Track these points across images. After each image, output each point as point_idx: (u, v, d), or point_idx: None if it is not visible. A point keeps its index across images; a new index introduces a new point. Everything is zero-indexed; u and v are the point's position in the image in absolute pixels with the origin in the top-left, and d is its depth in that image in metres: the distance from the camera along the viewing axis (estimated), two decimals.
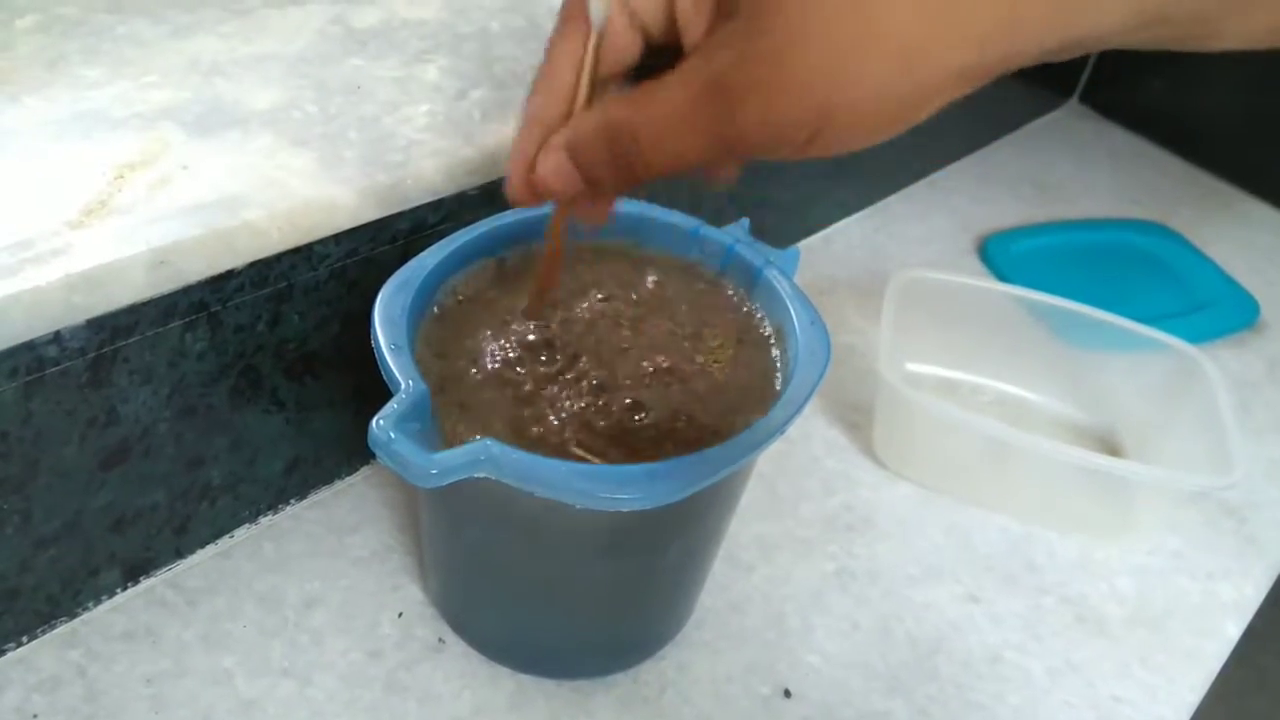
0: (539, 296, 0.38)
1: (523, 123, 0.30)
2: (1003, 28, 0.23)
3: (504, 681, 0.42)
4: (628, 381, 0.37)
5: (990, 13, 0.22)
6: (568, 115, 0.30)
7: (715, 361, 0.39)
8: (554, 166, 0.29)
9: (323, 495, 0.49)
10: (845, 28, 0.23)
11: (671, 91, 0.26)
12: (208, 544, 0.45)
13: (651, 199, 0.43)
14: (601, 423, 0.35)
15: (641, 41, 0.29)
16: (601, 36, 0.29)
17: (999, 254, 0.74)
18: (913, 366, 0.60)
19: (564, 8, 0.29)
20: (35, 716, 0.38)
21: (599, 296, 0.40)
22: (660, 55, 0.29)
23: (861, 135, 0.25)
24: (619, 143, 0.27)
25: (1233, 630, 0.49)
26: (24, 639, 0.40)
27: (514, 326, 0.38)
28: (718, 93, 0.24)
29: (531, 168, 0.30)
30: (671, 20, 0.28)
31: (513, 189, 0.31)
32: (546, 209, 0.42)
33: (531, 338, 0.38)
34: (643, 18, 0.29)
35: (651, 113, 0.26)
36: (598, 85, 0.29)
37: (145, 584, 0.43)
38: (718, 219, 0.42)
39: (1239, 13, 0.24)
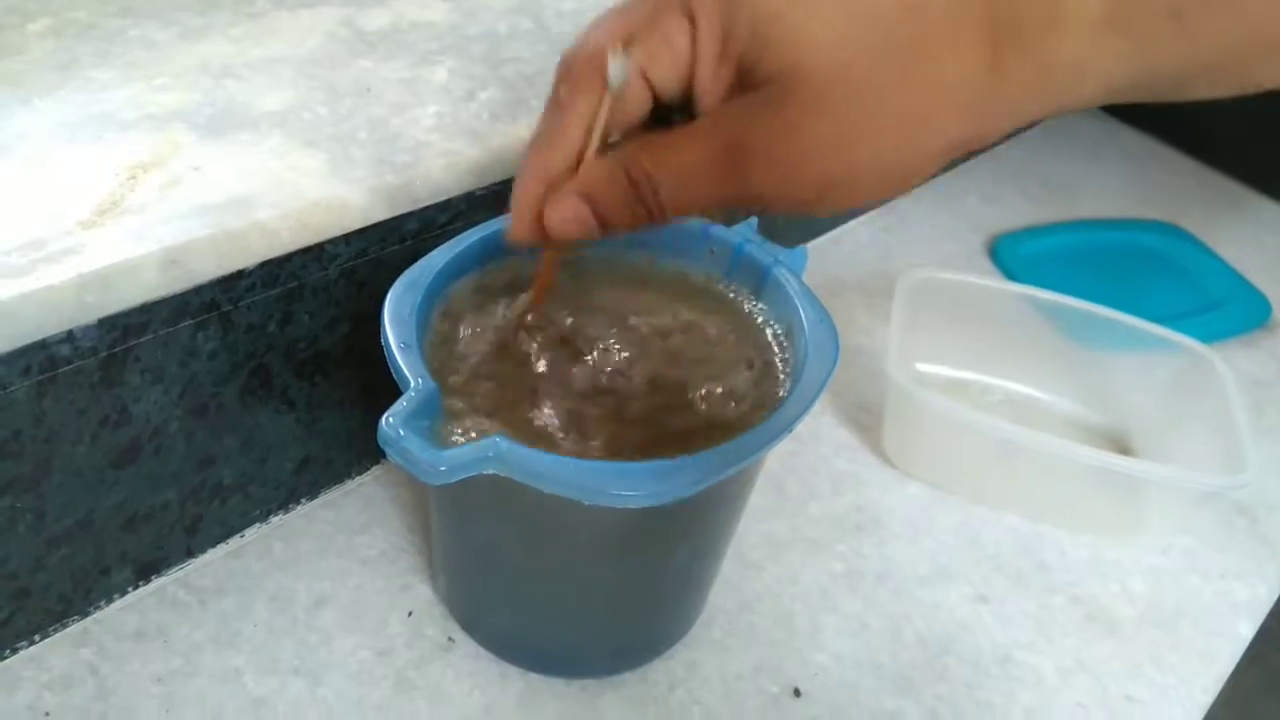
0: (526, 311, 0.39)
1: (524, 174, 0.31)
2: (987, 104, 0.26)
3: (513, 680, 0.42)
4: (636, 380, 0.37)
5: (974, 94, 0.25)
6: (573, 170, 0.30)
7: (724, 360, 0.39)
8: (570, 211, 0.30)
9: (333, 495, 0.49)
10: (858, 106, 0.25)
11: (692, 147, 0.28)
12: (218, 543, 0.45)
13: None
14: (610, 421, 0.35)
15: (650, 103, 0.30)
16: (616, 99, 0.29)
17: (1009, 254, 0.74)
18: (922, 366, 0.60)
19: (572, 71, 0.30)
20: (47, 714, 0.38)
21: (607, 297, 0.40)
22: (665, 111, 0.31)
23: (863, 197, 0.27)
24: (638, 188, 0.28)
25: (1245, 630, 0.49)
26: (36, 637, 0.41)
27: (523, 326, 0.38)
28: (736, 154, 0.27)
29: (538, 215, 0.31)
30: (686, 85, 0.29)
31: (518, 233, 0.32)
32: None
33: (541, 337, 0.38)
34: (657, 82, 0.29)
35: (671, 164, 0.28)
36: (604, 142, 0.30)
37: (156, 583, 0.43)
38: (726, 219, 0.42)
39: (1190, 89, 0.28)
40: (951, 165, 0.85)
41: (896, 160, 0.26)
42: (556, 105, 0.31)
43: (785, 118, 0.26)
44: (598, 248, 0.42)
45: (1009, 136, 0.81)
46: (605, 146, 0.30)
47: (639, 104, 0.30)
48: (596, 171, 0.30)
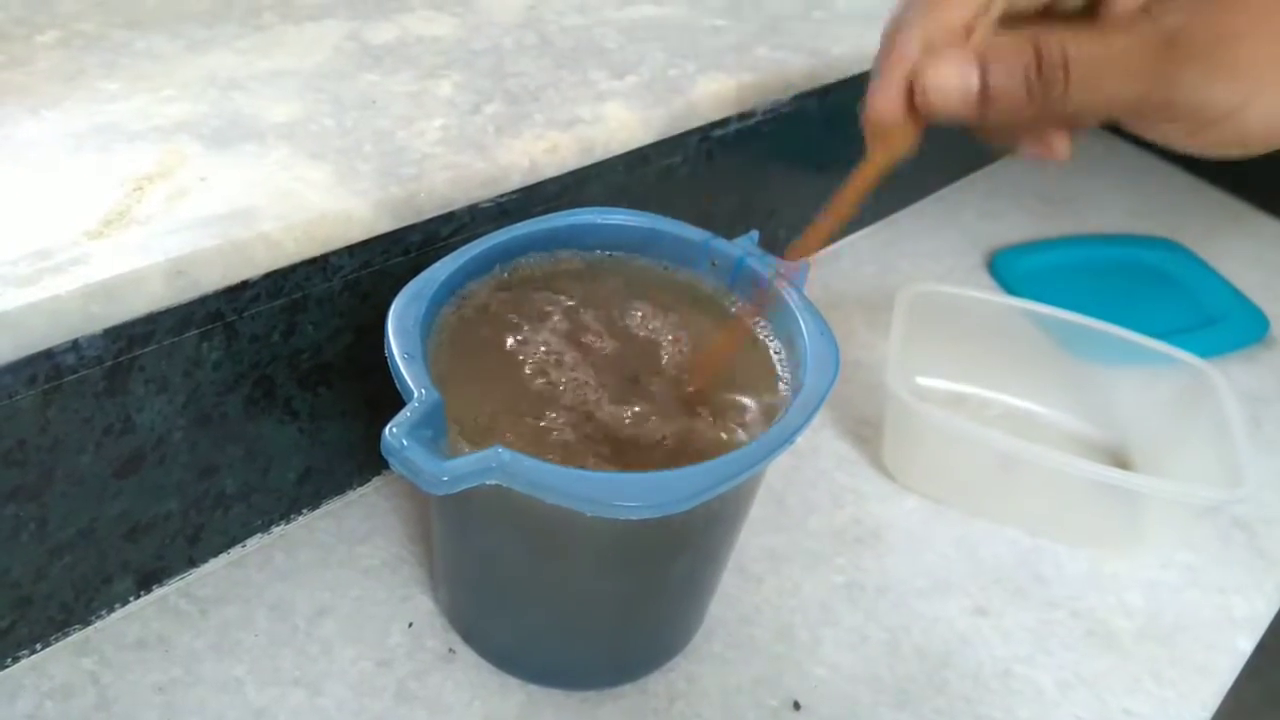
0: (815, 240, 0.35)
1: (899, 35, 0.29)
2: None
3: (514, 692, 0.42)
4: (637, 393, 0.37)
5: None
6: (962, 39, 0.28)
7: (724, 373, 0.39)
8: (956, 72, 0.28)
9: (334, 505, 0.49)
10: None
11: (1117, 38, 0.27)
12: (220, 553, 0.45)
13: (661, 212, 0.43)
14: (611, 434, 0.36)
15: None
16: None
17: (1008, 269, 0.74)
18: (921, 380, 0.61)
19: None
20: None
21: (610, 310, 0.41)
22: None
23: (1253, 133, 0.27)
24: (1046, 71, 0.27)
25: (1244, 645, 0.49)
26: (38, 646, 0.41)
27: (524, 338, 0.39)
28: (1165, 50, 0.26)
29: (908, 84, 0.29)
30: None
31: (883, 101, 0.29)
32: (572, 219, 0.42)
33: (542, 350, 0.38)
34: None
35: (1091, 50, 0.27)
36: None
37: (158, 592, 0.44)
38: (727, 233, 0.43)
39: None
40: (953, 178, 0.85)
41: None
42: None
43: (1228, 25, 0.26)
44: (611, 255, 0.42)
45: None
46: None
47: None
48: (996, 40, 0.28)
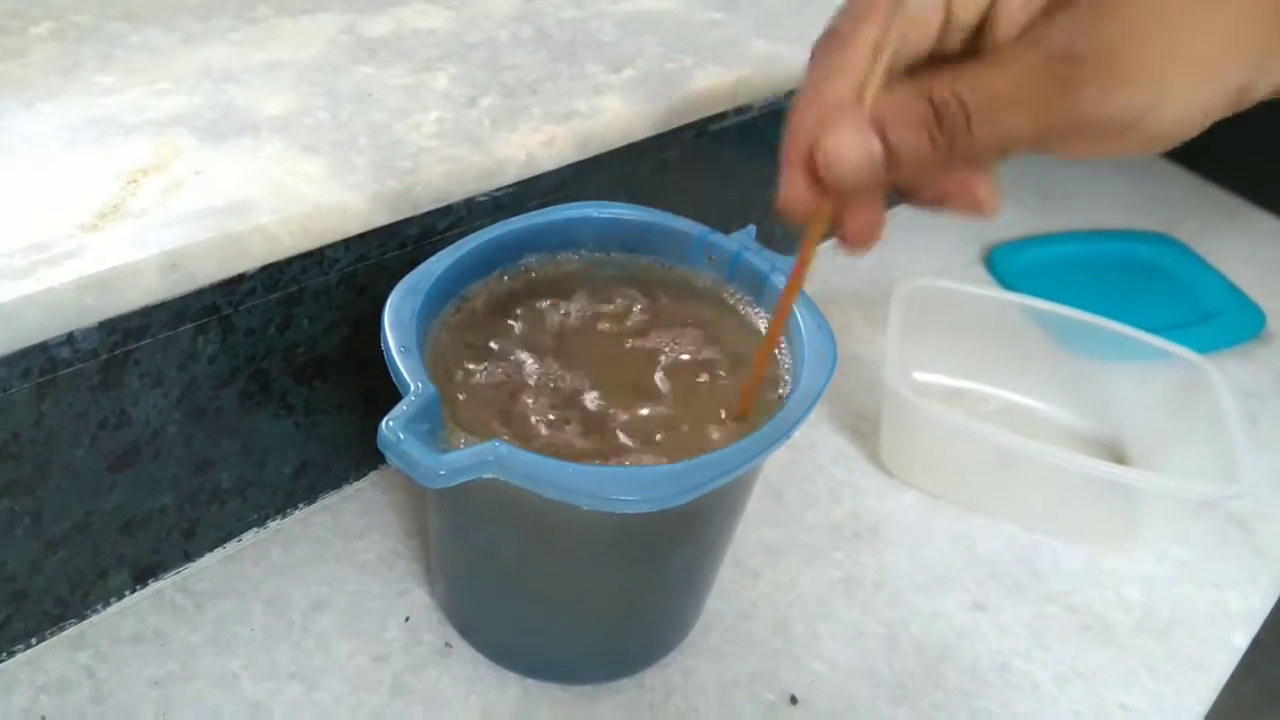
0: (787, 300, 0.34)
1: (795, 112, 0.28)
2: (1266, 57, 0.26)
3: (510, 686, 0.42)
4: (634, 388, 0.37)
5: (1259, 41, 0.26)
6: (858, 104, 0.27)
7: (721, 366, 0.39)
8: (855, 140, 0.27)
9: (331, 500, 0.49)
10: (1177, 28, 0.25)
11: (1008, 69, 0.26)
12: (216, 547, 0.45)
13: (657, 206, 0.43)
14: (607, 429, 0.36)
15: (936, 38, 0.28)
16: (912, 19, 0.27)
17: (1005, 264, 0.74)
18: (919, 375, 0.60)
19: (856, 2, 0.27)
20: (43, 718, 0.38)
21: (606, 306, 0.41)
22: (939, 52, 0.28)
23: (1166, 133, 0.26)
24: (943, 118, 0.26)
25: (1240, 640, 0.49)
26: (33, 640, 0.40)
27: (520, 333, 0.39)
28: (1058, 72, 0.25)
29: (811, 159, 0.28)
30: (983, 11, 0.27)
31: (789, 187, 0.29)
32: (569, 213, 0.42)
33: (538, 345, 0.38)
34: (957, 7, 0.27)
35: (986, 87, 0.26)
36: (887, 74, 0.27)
37: (154, 587, 0.43)
38: (724, 227, 0.43)
39: None
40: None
41: (1198, 98, 0.26)
42: (834, 40, 0.28)
43: (1113, 33, 0.25)
44: (609, 254, 0.42)
45: None
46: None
47: (927, 36, 0.27)
48: (889, 98, 0.27)
